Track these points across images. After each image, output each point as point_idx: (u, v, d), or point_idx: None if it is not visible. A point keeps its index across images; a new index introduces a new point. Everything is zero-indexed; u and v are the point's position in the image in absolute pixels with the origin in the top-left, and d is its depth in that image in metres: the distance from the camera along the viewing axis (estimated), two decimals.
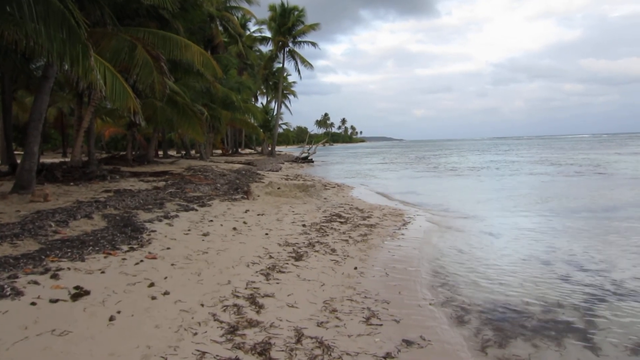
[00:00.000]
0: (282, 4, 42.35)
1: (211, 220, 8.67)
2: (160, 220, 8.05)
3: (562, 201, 13.35)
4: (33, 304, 4.03)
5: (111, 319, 3.94)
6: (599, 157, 37.17)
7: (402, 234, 8.66)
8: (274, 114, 51.31)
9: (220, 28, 34.68)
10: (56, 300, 4.16)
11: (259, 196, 12.48)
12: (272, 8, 42.78)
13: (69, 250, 5.65)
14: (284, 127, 79.24)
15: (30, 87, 15.53)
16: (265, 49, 49.77)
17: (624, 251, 7.35)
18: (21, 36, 7.55)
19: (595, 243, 7.96)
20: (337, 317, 4.43)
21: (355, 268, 6.21)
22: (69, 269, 5.02)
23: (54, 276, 4.72)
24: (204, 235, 7.42)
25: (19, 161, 12.57)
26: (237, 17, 39.44)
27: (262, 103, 62.55)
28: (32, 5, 7.59)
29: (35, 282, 4.49)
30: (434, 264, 6.74)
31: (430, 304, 5.06)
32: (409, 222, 9.84)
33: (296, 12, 42.28)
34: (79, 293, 4.37)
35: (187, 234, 7.43)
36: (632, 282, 5.82)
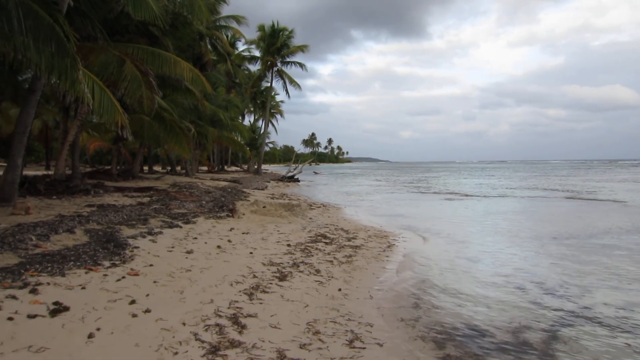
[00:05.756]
0: (272, 25, 42.76)
1: (195, 238, 8.61)
2: (144, 237, 7.96)
3: (544, 226, 13.51)
4: (10, 319, 3.95)
5: (90, 336, 3.87)
6: (583, 183, 37.77)
7: (387, 256, 8.68)
8: (261, 132, 51.39)
9: (210, 46, 34.85)
10: (34, 316, 4.08)
11: (244, 214, 12.43)
12: (260, 28, 43.09)
13: (49, 264, 5.56)
14: (271, 145, 79.36)
15: (18, 99, 15.40)
16: (254, 68, 50.05)
17: (598, 278, 7.44)
18: (9, 49, 7.52)
19: (572, 269, 8.04)
20: (320, 339, 4.41)
21: (340, 289, 6.20)
22: (48, 284, 4.93)
23: (33, 291, 4.64)
24: (188, 252, 7.36)
25: (1, 173, 12.38)
26: (227, 36, 39.76)
27: (249, 121, 62.73)
28: (22, 19, 7.58)
29: (14, 297, 4.41)
30: (416, 287, 6.75)
31: (412, 328, 5.07)
32: (394, 245, 9.87)
33: (285, 33, 42.69)
34: (58, 309, 4.30)
35: (170, 251, 7.36)
36: (600, 308, 5.90)
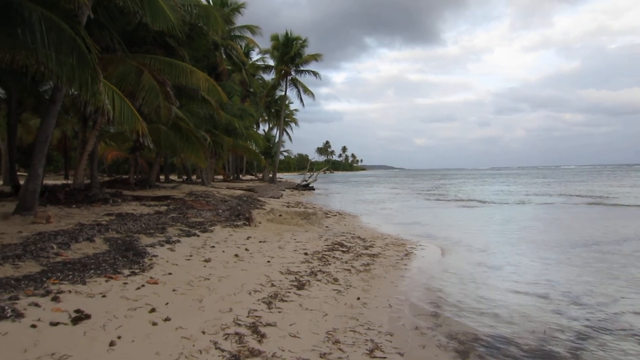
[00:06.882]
0: (286, 34, 43.07)
1: (213, 246, 8.64)
2: (162, 245, 8.01)
3: (567, 233, 13.29)
4: (33, 326, 3.99)
5: (111, 344, 3.89)
6: (603, 188, 37.14)
7: (405, 265, 8.60)
8: (276, 141, 51.65)
9: (224, 56, 35.19)
10: (56, 324, 4.11)
11: (260, 223, 12.45)
12: (274, 37, 43.43)
13: (70, 272, 5.61)
14: (285, 154, 79.65)
15: (39, 109, 15.74)
16: (268, 77, 50.41)
17: (625, 286, 7.25)
18: (32, 61, 7.67)
19: (598, 277, 7.88)
20: (340, 349, 4.37)
21: (358, 298, 6.15)
22: (70, 291, 4.98)
23: (55, 299, 4.68)
24: (206, 261, 7.38)
25: (21, 182, 12.60)
26: (241, 46, 40.09)
27: (264, 130, 63.09)
28: (45, 32, 7.75)
29: (36, 304, 4.45)
30: (436, 295, 6.67)
31: (433, 337, 5.00)
32: (412, 253, 9.79)
33: (299, 42, 42.95)
34: (80, 317, 4.33)
35: (188, 259, 7.39)
36: (629, 317, 5.75)
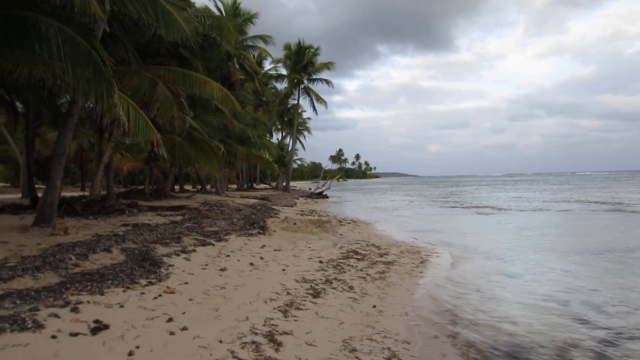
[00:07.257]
0: (298, 42, 43.34)
1: (228, 255, 8.67)
2: (178, 255, 8.06)
3: (585, 240, 13.06)
4: (53, 337, 4.03)
5: (130, 354, 3.91)
6: (621, 194, 36.51)
7: (421, 272, 8.54)
8: (289, 149, 51.83)
9: (237, 66, 35.46)
10: (76, 334, 4.15)
11: (275, 231, 12.47)
12: (287, 47, 43.76)
13: (88, 283, 5.67)
14: (299, 162, 79.75)
15: (58, 122, 16.03)
16: (281, 86, 50.69)
17: None
18: (49, 75, 7.81)
19: (618, 285, 7.72)
20: (357, 357, 4.34)
21: (374, 306, 6.12)
22: (88, 302, 5.02)
23: (74, 309, 4.72)
24: (222, 270, 7.40)
25: (39, 195, 12.79)
26: (254, 55, 40.39)
27: (277, 139, 63.31)
28: (61, 46, 7.90)
29: (56, 315, 4.50)
30: (453, 304, 6.60)
31: (451, 346, 4.95)
32: (428, 260, 9.72)
33: (311, 50, 43.16)
34: (99, 327, 4.36)
35: (204, 268, 7.42)
36: None
